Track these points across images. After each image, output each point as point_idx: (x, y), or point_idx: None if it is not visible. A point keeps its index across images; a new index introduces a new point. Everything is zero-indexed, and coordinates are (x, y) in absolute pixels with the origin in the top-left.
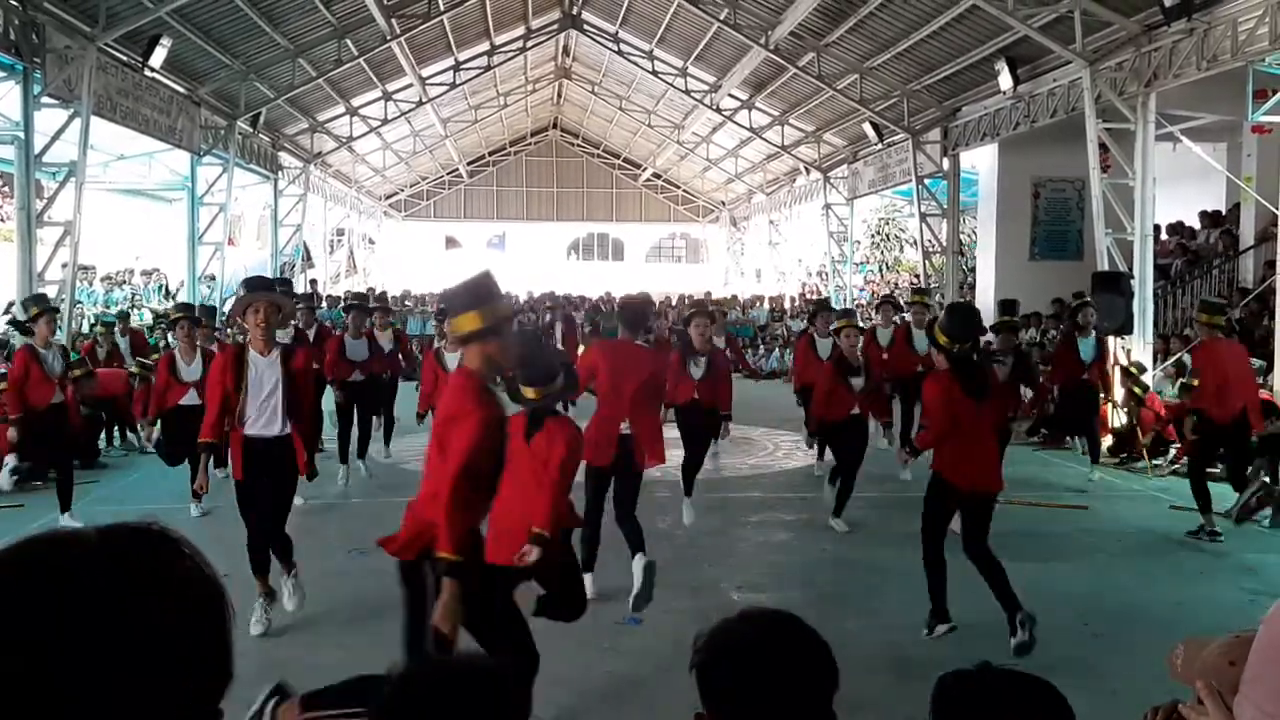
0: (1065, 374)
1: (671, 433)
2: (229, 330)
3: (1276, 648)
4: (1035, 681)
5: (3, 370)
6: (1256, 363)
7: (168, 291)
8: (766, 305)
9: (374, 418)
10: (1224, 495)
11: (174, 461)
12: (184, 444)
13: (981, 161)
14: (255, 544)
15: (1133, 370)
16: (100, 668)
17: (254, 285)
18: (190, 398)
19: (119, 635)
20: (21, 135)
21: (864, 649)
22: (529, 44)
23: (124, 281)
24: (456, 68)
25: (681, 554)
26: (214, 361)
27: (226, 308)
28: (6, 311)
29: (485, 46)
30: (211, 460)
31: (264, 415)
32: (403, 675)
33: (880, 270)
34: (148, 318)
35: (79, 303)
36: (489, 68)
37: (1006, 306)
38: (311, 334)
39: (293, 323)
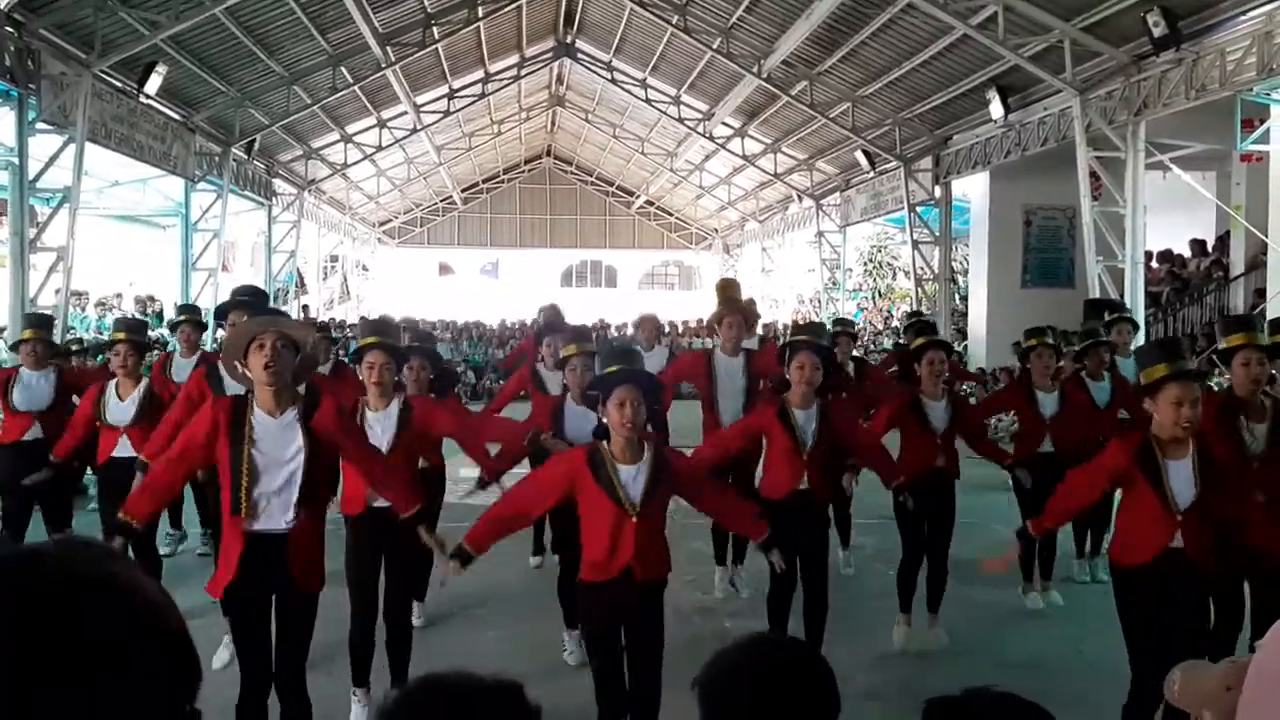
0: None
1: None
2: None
3: (1272, 672)
4: (1030, 706)
5: None
6: None
7: (161, 317)
8: (760, 331)
9: None
10: None
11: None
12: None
13: (973, 189)
14: (250, 702)
15: None
16: (53, 669)
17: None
18: (124, 448)
19: (72, 636)
20: (16, 161)
21: (868, 677)
22: (523, 72)
23: (114, 307)
24: (451, 95)
25: (678, 575)
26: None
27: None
28: None
29: (480, 75)
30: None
31: (275, 502)
32: (405, 690)
33: (874, 298)
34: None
35: (72, 328)
36: (483, 95)
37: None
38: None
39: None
